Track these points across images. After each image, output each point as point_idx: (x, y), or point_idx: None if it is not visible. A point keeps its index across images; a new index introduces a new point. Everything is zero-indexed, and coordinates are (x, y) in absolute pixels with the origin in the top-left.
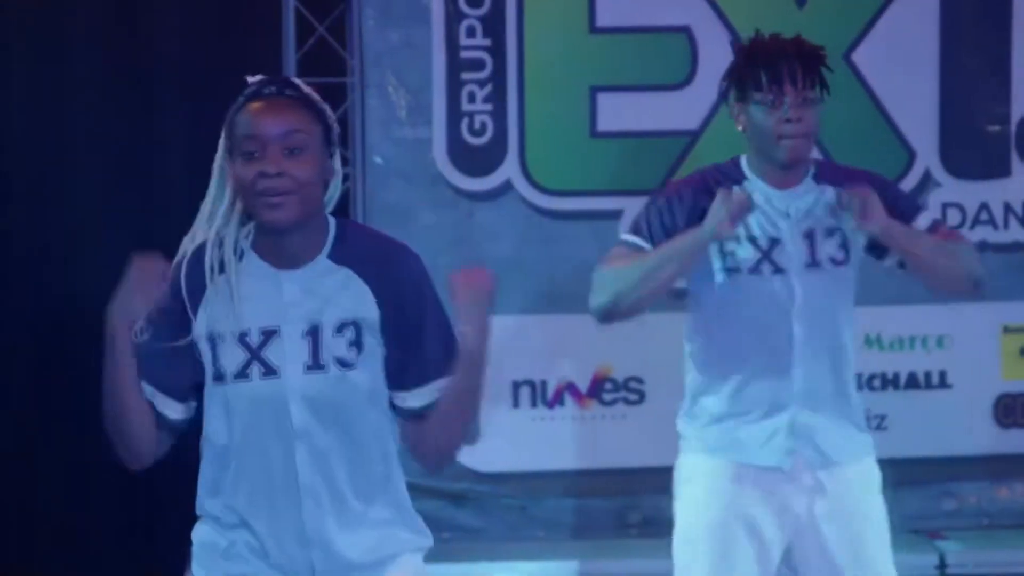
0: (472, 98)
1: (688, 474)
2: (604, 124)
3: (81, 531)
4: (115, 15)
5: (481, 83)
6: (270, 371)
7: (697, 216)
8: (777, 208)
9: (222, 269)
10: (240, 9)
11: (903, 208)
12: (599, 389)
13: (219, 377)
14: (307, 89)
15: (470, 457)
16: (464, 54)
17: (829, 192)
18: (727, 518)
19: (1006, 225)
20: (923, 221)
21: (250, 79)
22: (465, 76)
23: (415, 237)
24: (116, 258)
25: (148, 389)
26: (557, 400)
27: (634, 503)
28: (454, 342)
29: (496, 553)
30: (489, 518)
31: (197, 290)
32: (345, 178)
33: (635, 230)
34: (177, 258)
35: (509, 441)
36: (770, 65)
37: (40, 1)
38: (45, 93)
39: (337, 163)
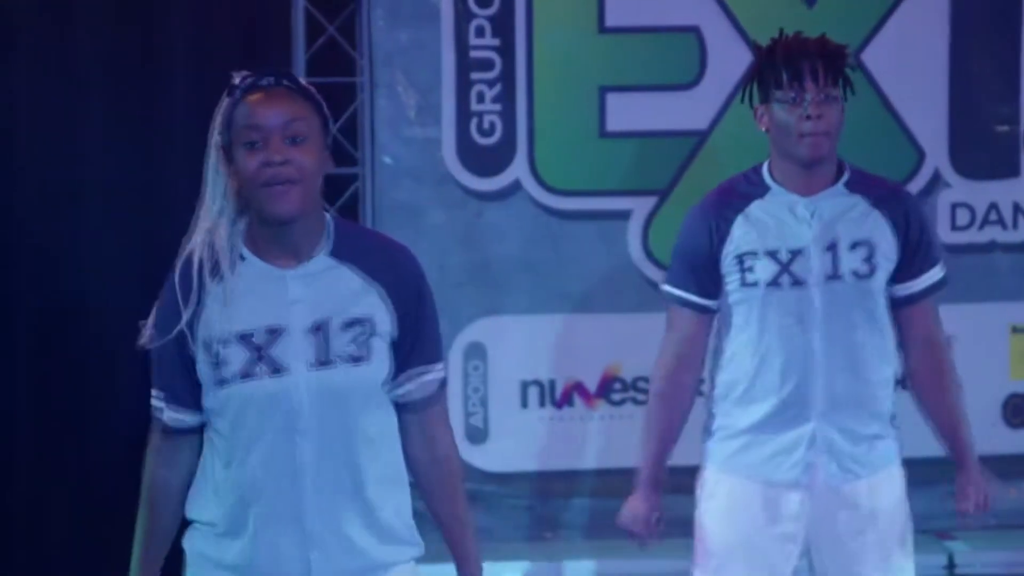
0: (481, 98)
1: (711, 490)
2: (613, 124)
3: (82, 532)
4: (121, 16)
5: (490, 83)
6: (277, 369)
7: (705, 235)
8: (800, 216)
9: (214, 274)
10: (249, 9)
11: (921, 259)
12: (608, 389)
13: (223, 382)
14: (303, 81)
15: (477, 457)
16: (473, 54)
17: (862, 204)
18: (747, 535)
19: (1015, 225)
20: (928, 278)
21: (235, 74)
22: (474, 76)
23: (424, 237)
24: (122, 257)
25: (166, 402)
26: (566, 400)
27: None
28: (440, 337)
29: (503, 553)
30: (496, 518)
31: (193, 300)
32: (354, 177)
33: (670, 279)
34: (175, 266)
35: (517, 441)
36: (791, 62)
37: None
38: (50, 94)
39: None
